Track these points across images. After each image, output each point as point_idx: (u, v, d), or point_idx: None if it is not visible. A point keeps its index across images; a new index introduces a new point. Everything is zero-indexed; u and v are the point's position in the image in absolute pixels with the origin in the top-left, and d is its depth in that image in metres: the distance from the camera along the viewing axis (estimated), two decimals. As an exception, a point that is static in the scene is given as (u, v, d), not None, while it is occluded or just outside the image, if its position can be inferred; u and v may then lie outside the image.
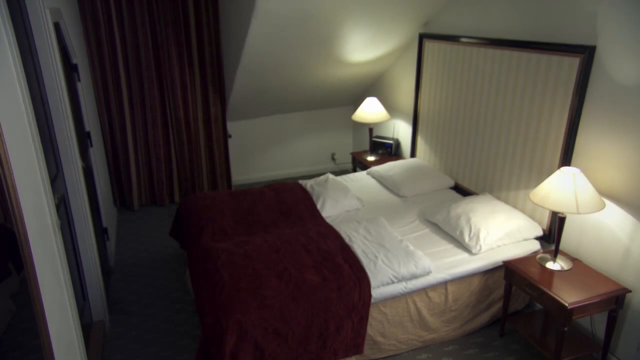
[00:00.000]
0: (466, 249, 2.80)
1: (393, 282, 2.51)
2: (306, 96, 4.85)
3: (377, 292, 2.46)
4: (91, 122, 3.56)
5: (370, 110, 4.33)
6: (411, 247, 2.70)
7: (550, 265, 2.55)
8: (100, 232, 3.29)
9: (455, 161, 3.69)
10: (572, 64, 2.54)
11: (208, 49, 4.34)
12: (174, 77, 4.31)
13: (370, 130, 4.53)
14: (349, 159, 5.44)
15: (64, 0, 3.15)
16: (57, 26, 2.54)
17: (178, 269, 3.58)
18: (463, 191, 3.60)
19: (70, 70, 2.94)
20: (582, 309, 2.28)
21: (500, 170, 3.19)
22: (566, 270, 2.51)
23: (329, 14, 3.38)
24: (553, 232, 2.82)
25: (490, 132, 3.23)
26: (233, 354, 2.17)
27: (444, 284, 2.64)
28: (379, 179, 3.90)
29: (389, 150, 4.55)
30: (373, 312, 2.49)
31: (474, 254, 2.75)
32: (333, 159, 5.61)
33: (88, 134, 3.27)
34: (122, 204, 4.69)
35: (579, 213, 2.29)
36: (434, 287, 2.62)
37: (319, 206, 3.36)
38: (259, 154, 5.27)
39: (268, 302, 2.26)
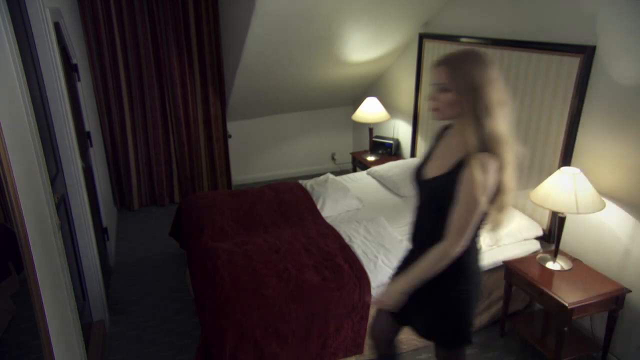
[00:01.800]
0: (466, 249, 2.79)
1: (393, 282, 2.51)
2: (306, 96, 4.85)
3: (377, 292, 2.45)
4: (91, 122, 3.55)
5: (370, 110, 4.33)
6: (411, 247, 2.70)
7: (550, 265, 2.55)
8: (100, 232, 3.29)
9: (455, 161, 3.68)
10: (572, 64, 2.54)
11: (208, 49, 4.34)
12: (174, 77, 4.31)
13: (370, 130, 4.53)
14: (349, 159, 5.44)
15: (64, 0, 3.15)
16: (57, 26, 2.54)
17: (178, 269, 3.58)
18: (463, 191, 3.60)
19: (70, 70, 2.94)
20: (582, 309, 2.28)
21: (500, 170, 3.18)
22: (566, 270, 2.51)
23: (329, 14, 3.38)
24: (553, 232, 2.82)
25: (490, 132, 3.22)
26: (233, 354, 2.17)
27: (444, 284, 2.63)
28: (379, 179, 3.89)
29: (389, 150, 4.55)
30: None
31: (474, 254, 2.75)
32: (333, 159, 5.61)
33: (88, 134, 3.27)
34: (122, 204, 4.69)
35: (578, 213, 2.29)
36: (434, 287, 2.61)
37: (319, 206, 3.36)
38: (259, 154, 5.27)
39: (268, 302, 2.26)
